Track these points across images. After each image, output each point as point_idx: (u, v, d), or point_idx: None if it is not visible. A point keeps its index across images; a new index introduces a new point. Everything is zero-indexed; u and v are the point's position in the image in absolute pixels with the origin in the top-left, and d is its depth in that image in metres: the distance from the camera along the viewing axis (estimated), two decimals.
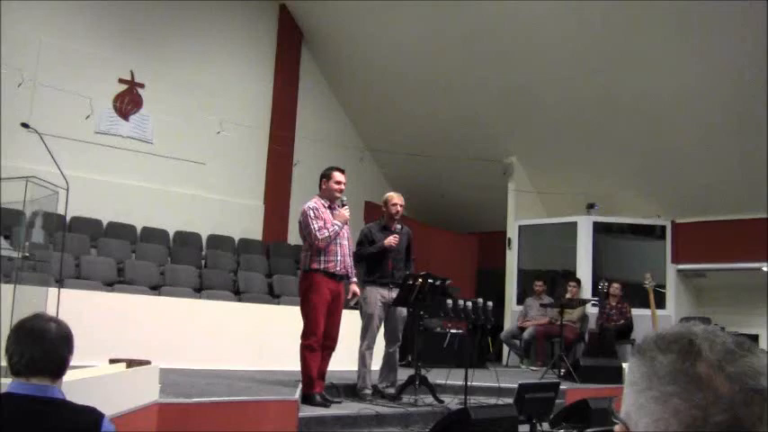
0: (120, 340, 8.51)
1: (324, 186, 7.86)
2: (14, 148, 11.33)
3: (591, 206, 14.44)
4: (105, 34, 13.48)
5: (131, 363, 5.47)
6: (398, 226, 8.57)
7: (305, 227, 7.64)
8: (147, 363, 5.63)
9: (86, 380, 4.49)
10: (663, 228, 14.33)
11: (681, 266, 14.10)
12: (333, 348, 7.71)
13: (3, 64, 11.81)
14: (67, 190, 6.89)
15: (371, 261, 8.37)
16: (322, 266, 7.56)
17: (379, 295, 8.24)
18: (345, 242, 7.82)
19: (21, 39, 12.36)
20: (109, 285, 10.77)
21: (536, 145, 14.92)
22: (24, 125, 7.85)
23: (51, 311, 6.47)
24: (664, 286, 13.78)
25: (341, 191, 7.81)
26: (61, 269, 7.94)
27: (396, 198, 8.57)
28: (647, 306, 12.05)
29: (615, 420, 1.26)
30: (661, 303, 13.34)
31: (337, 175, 7.83)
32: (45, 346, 2.91)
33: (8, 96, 11.92)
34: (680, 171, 13.29)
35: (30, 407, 2.85)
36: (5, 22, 12.11)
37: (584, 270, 14.08)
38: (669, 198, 13.98)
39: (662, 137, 12.99)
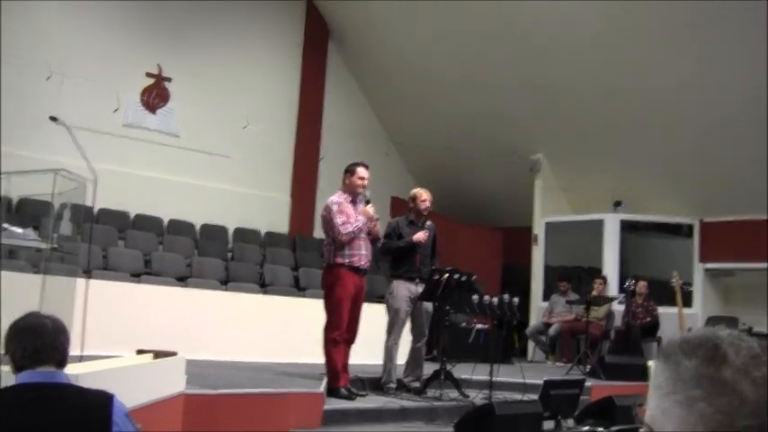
0: (147, 331, 8.54)
1: (347, 181, 7.86)
2: (43, 140, 11.42)
3: (618, 204, 14.37)
4: (133, 28, 13.55)
5: (158, 354, 5.50)
6: (426, 222, 8.58)
7: (328, 221, 7.65)
8: (174, 354, 5.65)
9: (113, 370, 4.54)
10: (690, 226, 14.23)
11: (708, 265, 14.00)
12: (353, 341, 7.72)
13: (32, 57, 11.92)
14: (95, 182, 6.94)
15: (399, 255, 8.37)
16: (346, 261, 7.57)
17: (407, 290, 8.22)
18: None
19: (49, 32, 12.46)
20: (136, 277, 10.83)
21: (563, 142, 14.84)
22: (53, 118, 7.89)
23: (79, 302, 6.55)
24: (691, 285, 13.69)
25: (364, 186, 7.79)
26: (89, 260, 8.01)
27: (425, 194, 8.56)
28: (673, 304, 11.96)
29: (640, 425, 1.26)
30: (688, 302, 13.22)
31: (360, 171, 7.82)
32: (45, 338, 2.97)
33: (36, 89, 12.04)
34: (708, 169, 13.16)
35: (41, 393, 2.90)
36: (34, 16, 12.22)
37: (610, 267, 14.02)
38: (697, 196, 13.85)
39: (690, 134, 12.89)
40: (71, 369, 3.21)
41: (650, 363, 9.88)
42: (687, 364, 1.19)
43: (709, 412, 1.14)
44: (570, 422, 7.36)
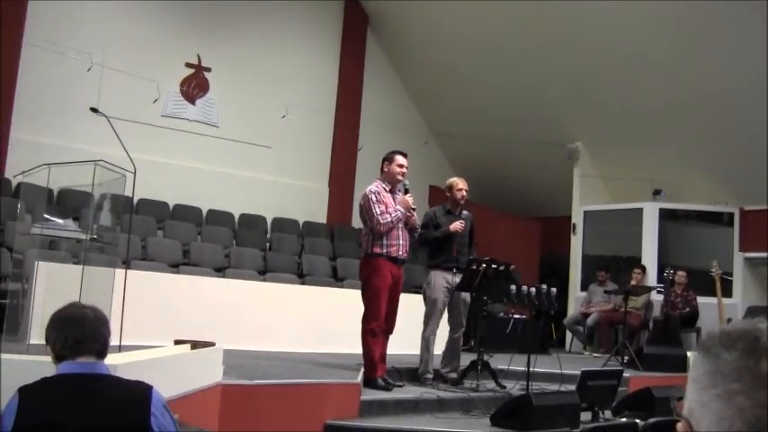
0: (185, 322, 8.59)
1: (385, 170, 7.79)
2: (83, 131, 11.55)
3: (657, 192, 14.25)
4: (172, 18, 13.65)
5: (196, 344, 5.53)
6: (463, 211, 8.55)
7: (366, 211, 7.59)
8: (212, 344, 5.68)
9: (151, 361, 4.57)
10: (730, 215, 14.07)
11: (748, 255, 13.83)
12: (391, 332, 7.67)
13: (72, 49, 12.05)
14: (135, 173, 6.97)
15: (436, 245, 8.33)
16: (384, 251, 7.52)
17: (444, 280, 8.18)
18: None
19: (89, 23, 12.57)
20: (174, 267, 10.91)
21: (602, 130, 14.74)
22: (93, 110, 7.94)
23: (118, 292, 6.60)
24: (731, 274, 13.54)
25: (403, 174, 7.72)
26: (128, 251, 8.07)
27: (461, 183, 8.52)
28: (713, 294, 11.85)
29: (678, 417, 1.24)
30: (728, 292, 13.10)
31: (399, 159, 7.75)
32: (86, 328, 2.99)
33: (77, 81, 12.17)
34: (749, 157, 12.98)
35: (81, 383, 2.93)
36: (75, 7, 12.34)
37: (649, 257, 13.91)
38: (737, 185, 13.69)
39: (730, 122, 12.73)
40: (109, 359, 3.23)
41: (689, 354, 9.82)
42: (727, 357, 1.17)
43: (748, 406, 1.12)
44: (608, 413, 7.33)
